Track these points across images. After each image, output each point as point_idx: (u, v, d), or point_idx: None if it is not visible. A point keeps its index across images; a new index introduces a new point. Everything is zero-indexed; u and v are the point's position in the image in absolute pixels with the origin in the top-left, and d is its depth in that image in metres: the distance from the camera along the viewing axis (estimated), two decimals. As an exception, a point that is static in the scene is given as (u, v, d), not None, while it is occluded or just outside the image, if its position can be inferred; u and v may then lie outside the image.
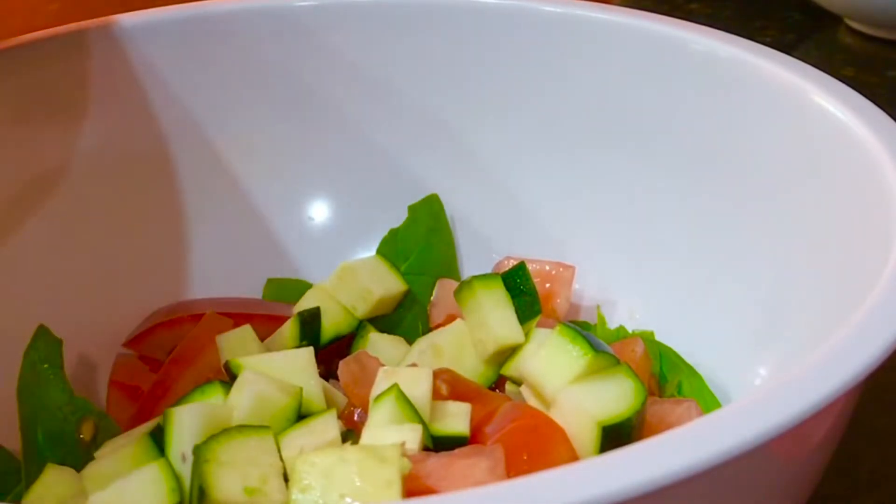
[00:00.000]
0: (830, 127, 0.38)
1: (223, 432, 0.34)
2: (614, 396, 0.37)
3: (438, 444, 0.36)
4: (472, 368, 0.42)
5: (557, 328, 0.38)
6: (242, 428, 0.35)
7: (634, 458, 0.24)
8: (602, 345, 0.38)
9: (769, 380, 0.39)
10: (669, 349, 0.44)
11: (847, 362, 0.26)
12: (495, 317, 0.41)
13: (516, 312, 0.42)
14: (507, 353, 0.41)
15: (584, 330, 0.38)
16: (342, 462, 0.31)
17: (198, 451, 0.33)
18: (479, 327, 0.42)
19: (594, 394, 0.37)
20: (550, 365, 0.38)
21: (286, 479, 0.34)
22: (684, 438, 0.24)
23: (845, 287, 0.34)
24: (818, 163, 0.39)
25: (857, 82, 0.40)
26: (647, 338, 0.45)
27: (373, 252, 0.50)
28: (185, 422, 0.35)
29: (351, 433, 0.37)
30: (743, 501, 0.28)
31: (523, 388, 0.40)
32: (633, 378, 0.37)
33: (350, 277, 0.46)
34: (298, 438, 0.35)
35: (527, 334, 0.41)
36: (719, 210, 0.44)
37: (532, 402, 0.39)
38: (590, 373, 0.37)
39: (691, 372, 0.43)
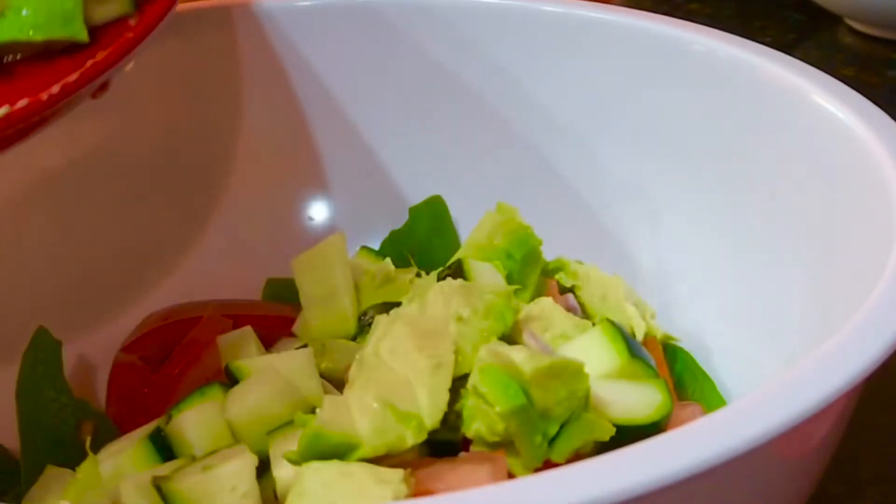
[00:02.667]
0: (830, 127, 0.38)
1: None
2: (637, 403, 0.36)
3: (439, 448, 0.36)
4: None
5: (602, 324, 0.37)
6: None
7: (634, 458, 0.24)
8: (643, 352, 0.37)
9: (769, 380, 0.39)
10: (689, 355, 0.44)
11: (847, 362, 0.26)
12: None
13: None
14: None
15: (630, 336, 0.37)
16: (343, 475, 0.31)
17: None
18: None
19: (618, 393, 0.36)
20: (583, 355, 0.37)
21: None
22: (684, 438, 0.24)
23: (845, 287, 0.34)
24: (818, 163, 0.39)
25: (857, 82, 0.40)
26: (668, 342, 0.44)
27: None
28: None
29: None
30: (743, 501, 0.28)
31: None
32: (665, 393, 0.36)
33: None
34: (292, 439, 0.35)
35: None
36: (718, 210, 0.44)
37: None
38: (621, 376, 0.36)
39: (704, 378, 0.43)
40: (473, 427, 0.34)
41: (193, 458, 0.35)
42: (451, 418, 0.34)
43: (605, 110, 0.48)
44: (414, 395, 0.34)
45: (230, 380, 0.39)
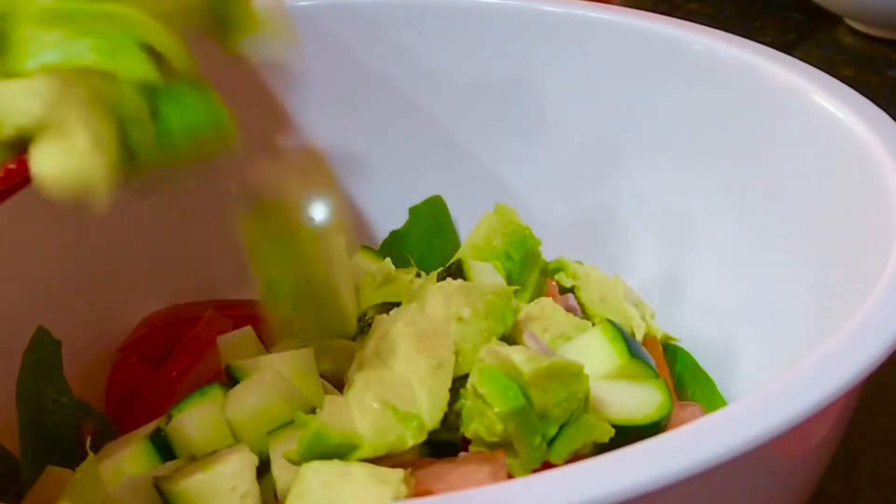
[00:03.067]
0: (830, 127, 0.38)
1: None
2: (637, 403, 0.36)
3: (439, 448, 0.36)
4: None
5: (602, 324, 0.37)
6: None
7: (634, 458, 0.24)
8: (643, 352, 0.37)
9: (769, 380, 0.39)
10: (689, 355, 0.44)
11: (847, 362, 0.26)
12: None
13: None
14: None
15: (630, 336, 0.37)
16: (343, 476, 0.31)
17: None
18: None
19: (618, 394, 0.36)
20: (583, 356, 0.37)
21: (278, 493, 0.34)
22: (685, 439, 0.24)
23: (845, 287, 0.34)
24: (818, 163, 0.39)
25: (857, 82, 0.40)
26: (668, 342, 0.44)
27: (372, 253, 0.50)
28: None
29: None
30: (743, 501, 0.28)
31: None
32: (665, 393, 0.36)
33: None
34: (292, 439, 0.35)
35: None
36: (717, 210, 0.44)
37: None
38: (620, 376, 0.37)
39: (705, 378, 0.43)
40: (472, 427, 0.34)
41: (193, 458, 0.35)
42: (451, 418, 0.34)
43: (605, 110, 0.48)
44: (414, 396, 0.34)
45: (230, 380, 0.39)
